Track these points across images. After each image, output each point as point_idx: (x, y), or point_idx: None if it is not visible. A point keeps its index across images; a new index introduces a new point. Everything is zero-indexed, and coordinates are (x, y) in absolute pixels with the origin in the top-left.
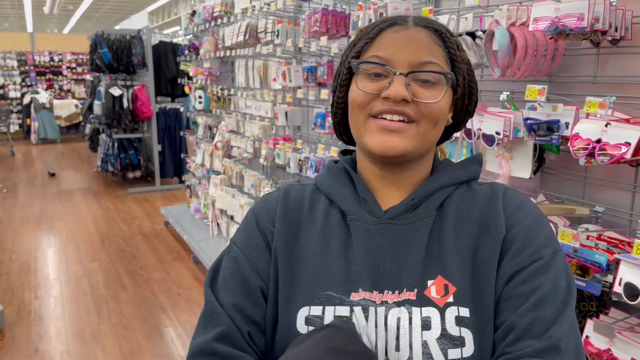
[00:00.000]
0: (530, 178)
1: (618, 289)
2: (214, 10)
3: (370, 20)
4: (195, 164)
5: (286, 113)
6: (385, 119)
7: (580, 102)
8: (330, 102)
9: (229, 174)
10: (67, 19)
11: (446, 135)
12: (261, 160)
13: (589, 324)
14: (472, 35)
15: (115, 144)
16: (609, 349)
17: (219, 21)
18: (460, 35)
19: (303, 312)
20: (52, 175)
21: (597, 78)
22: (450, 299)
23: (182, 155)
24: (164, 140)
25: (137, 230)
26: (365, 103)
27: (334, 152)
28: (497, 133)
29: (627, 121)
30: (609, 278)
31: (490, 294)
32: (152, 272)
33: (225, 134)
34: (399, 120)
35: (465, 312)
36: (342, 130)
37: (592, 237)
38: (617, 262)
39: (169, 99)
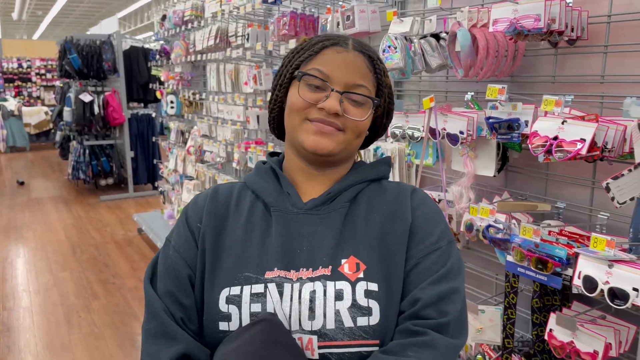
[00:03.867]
0: (494, 176)
1: (578, 282)
2: (184, 14)
3: (338, 23)
4: (168, 169)
5: (258, 117)
6: (319, 123)
7: (540, 101)
8: (269, 99)
9: (202, 179)
10: (36, 25)
11: (365, 142)
12: (234, 165)
13: (552, 318)
14: (436, 36)
15: (87, 151)
16: (572, 342)
17: (189, 25)
18: (425, 37)
19: (224, 293)
20: (21, 183)
21: (556, 77)
22: (361, 275)
23: (155, 161)
24: (137, 147)
25: (110, 238)
26: (303, 108)
27: None
28: (461, 132)
29: (582, 118)
30: (570, 272)
31: (397, 273)
32: (124, 280)
33: (197, 139)
34: (330, 127)
35: (373, 286)
36: (276, 125)
37: (554, 232)
38: (576, 255)
39: (142, 104)
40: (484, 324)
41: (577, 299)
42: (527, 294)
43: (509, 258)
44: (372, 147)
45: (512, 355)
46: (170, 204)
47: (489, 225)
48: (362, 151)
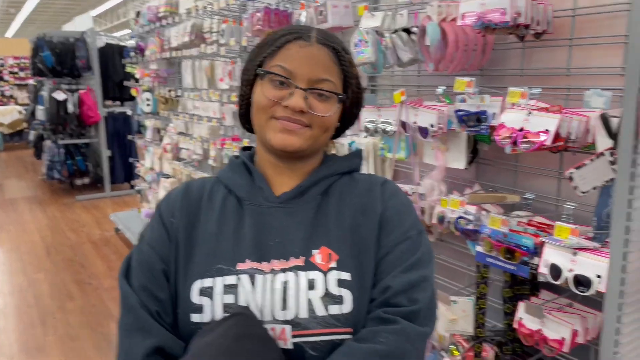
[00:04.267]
0: (466, 169)
1: (544, 270)
2: (158, 10)
3: (312, 19)
4: (144, 167)
5: (234, 113)
6: (285, 121)
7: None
8: (238, 94)
9: (179, 177)
10: (8, 23)
11: (337, 132)
12: (210, 162)
13: (521, 306)
14: (407, 31)
15: (62, 150)
16: (540, 330)
17: (164, 22)
18: (396, 31)
19: (197, 285)
20: None
21: (524, 71)
22: (334, 265)
23: (131, 160)
24: (113, 146)
25: (86, 239)
26: (268, 107)
27: None
28: (431, 125)
29: (546, 110)
30: (537, 261)
31: (369, 262)
32: (101, 280)
33: (173, 136)
34: (296, 124)
35: (346, 276)
36: (246, 119)
37: (522, 222)
38: (543, 244)
39: (118, 102)
40: (457, 315)
41: (546, 287)
42: (499, 285)
43: (479, 248)
44: (346, 141)
45: (484, 344)
46: (147, 202)
47: (460, 217)
48: (337, 144)
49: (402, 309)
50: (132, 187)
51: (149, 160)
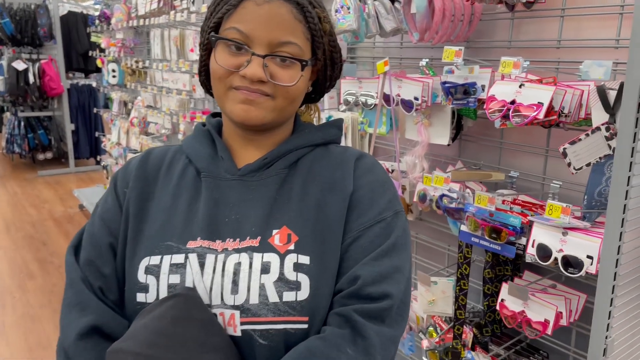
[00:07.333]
0: (449, 145)
1: (531, 250)
2: None
3: None
4: (110, 142)
5: None
6: (245, 91)
7: (496, 67)
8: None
9: None
10: None
11: (313, 96)
12: (180, 136)
13: (504, 288)
14: None
15: (22, 123)
16: (523, 311)
17: None
18: None
19: (144, 263)
20: None
21: (512, 43)
22: (292, 247)
23: (97, 134)
24: (78, 119)
25: (48, 215)
26: (225, 77)
27: None
28: (416, 98)
29: (539, 82)
30: (523, 241)
31: (333, 247)
32: (64, 258)
33: (141, 110)
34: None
35: (305, 259)
36: (209, 85)
37: (507, 201)
38: (530, 224)
39: (83, 74)
40: (436, 296)
41: (528, 268)
42: (479, 265)
43: (463, 228)
44: (324, 116)
45: (464, 326)
46: None
47: (443, 195)
48: (319, 107)
49: (373, 306)
50: (97, 162)
51: (116, 134)
